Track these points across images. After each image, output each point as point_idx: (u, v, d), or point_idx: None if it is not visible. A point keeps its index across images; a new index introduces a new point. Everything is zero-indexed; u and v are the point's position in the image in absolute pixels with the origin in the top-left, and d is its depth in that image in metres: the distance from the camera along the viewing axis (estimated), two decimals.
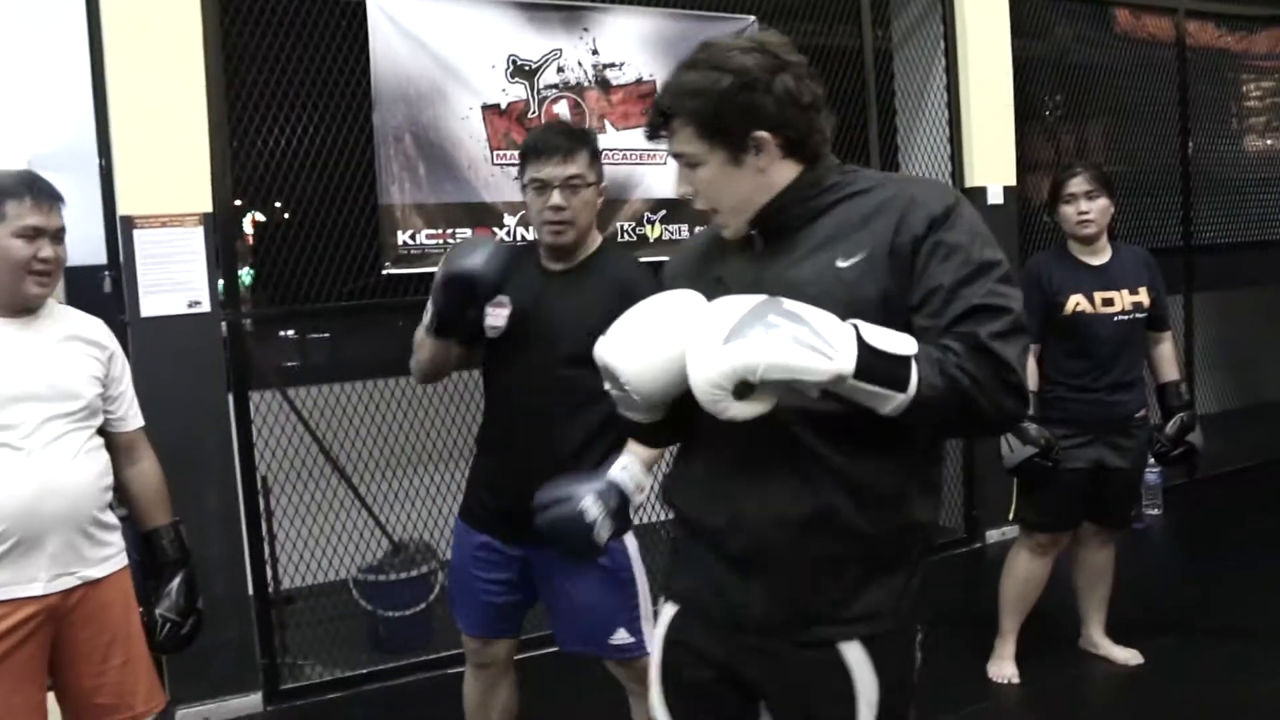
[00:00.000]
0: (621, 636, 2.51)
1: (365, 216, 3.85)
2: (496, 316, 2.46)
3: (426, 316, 2.45)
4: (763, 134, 1.56)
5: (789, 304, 1.42)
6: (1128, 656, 3.76)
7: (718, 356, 1.38)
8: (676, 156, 1.63)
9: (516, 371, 2.49)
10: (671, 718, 1.74)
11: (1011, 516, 3.67)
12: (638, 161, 4.27)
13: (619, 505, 2.07)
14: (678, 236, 4.40)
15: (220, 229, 3.54)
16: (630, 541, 2.53)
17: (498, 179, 4.00)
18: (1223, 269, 6.84)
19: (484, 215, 3.98)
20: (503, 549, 2.54)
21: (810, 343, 1.37)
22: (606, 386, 1.62)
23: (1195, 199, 6.16)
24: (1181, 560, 5.15)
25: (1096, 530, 3.69)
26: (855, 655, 1.57)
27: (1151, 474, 5.57)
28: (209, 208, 3.51)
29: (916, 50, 5.32)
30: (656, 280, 1.99)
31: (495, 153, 3.99)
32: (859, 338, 1.40)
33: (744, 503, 1.59)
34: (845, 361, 1.37)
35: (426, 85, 3.87)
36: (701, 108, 1.56)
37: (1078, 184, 3.51)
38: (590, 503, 2.01)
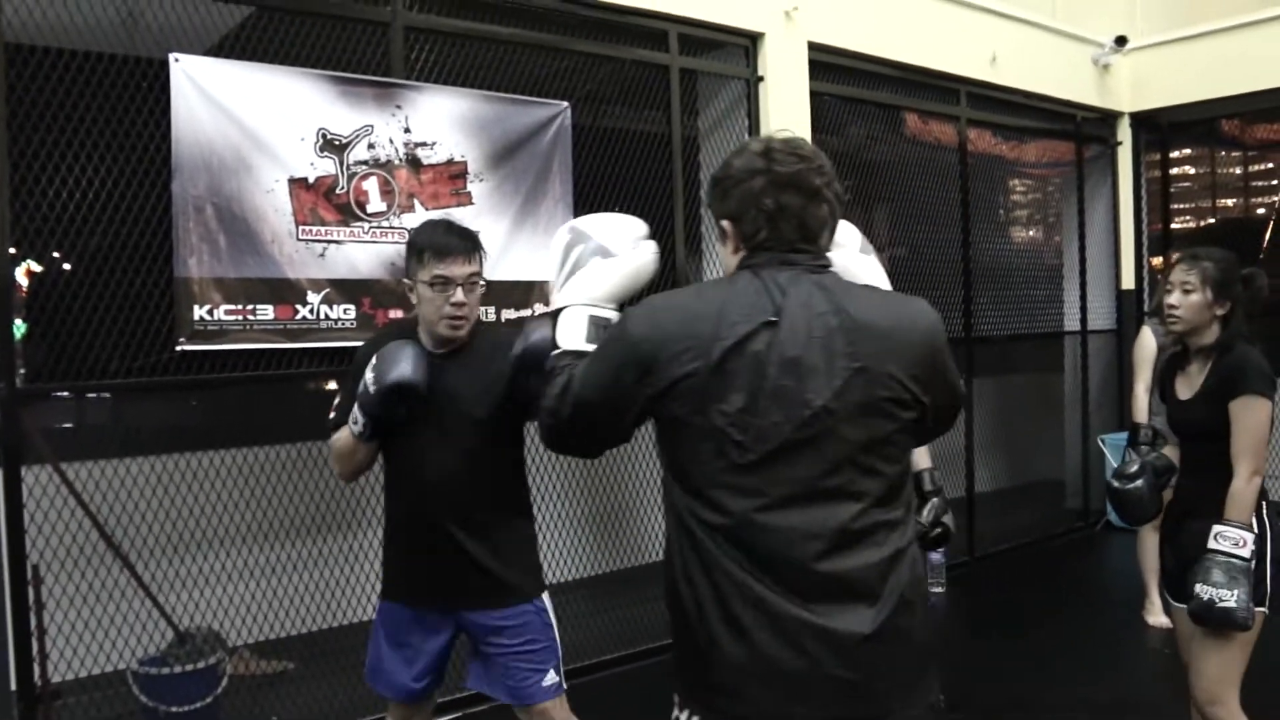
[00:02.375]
0: (551, 677, 2.77)
1: (161, 288, 3.66)
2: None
3: (356, 426, 2.61)
4: (725, 223, 1.81)
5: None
6: None
7: None
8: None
9: (429, 452, 2.66)
10: None
11: None
12: None
13: None
14: (484, 319, 4.36)
15: None
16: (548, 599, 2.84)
17: (302, 255, 3.89)
18: (998, 357, 7.32)
19: (287, 292, 3.85)
20: (430, 619, 2.74)
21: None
22: None
23: (974, 293, 6.59)
24: (965, 636, 5.40)
25: None
26: None
27: (935, 555, 5.84)
28: None
29: (723, 140, 5.52)
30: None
31: (301, 228, 3.89)
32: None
33: None
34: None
35: (231, 155, 3.74)
36: (709, 190, 1.88)
37: None
38: None
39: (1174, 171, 8.13)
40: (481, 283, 2.73)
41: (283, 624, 4.17)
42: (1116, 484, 3.24)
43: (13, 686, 3.37)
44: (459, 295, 2.63)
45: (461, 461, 2.66)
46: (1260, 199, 8.85)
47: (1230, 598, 2.74)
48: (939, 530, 3.88)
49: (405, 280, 2.76)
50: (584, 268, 1.92)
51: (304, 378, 4.25)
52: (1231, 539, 2.80)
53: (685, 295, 1.83)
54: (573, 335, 1.86)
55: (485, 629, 2.74)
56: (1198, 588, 2.79)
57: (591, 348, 1.82)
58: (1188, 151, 8.44)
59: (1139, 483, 3.18)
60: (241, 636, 4.13)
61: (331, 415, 2.78)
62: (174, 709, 3.76)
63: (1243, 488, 2.84)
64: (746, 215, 1.77)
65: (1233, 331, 3.00)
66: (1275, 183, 8.74)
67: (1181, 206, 8.38)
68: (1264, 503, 2.90)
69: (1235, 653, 2.86)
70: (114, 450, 4.04)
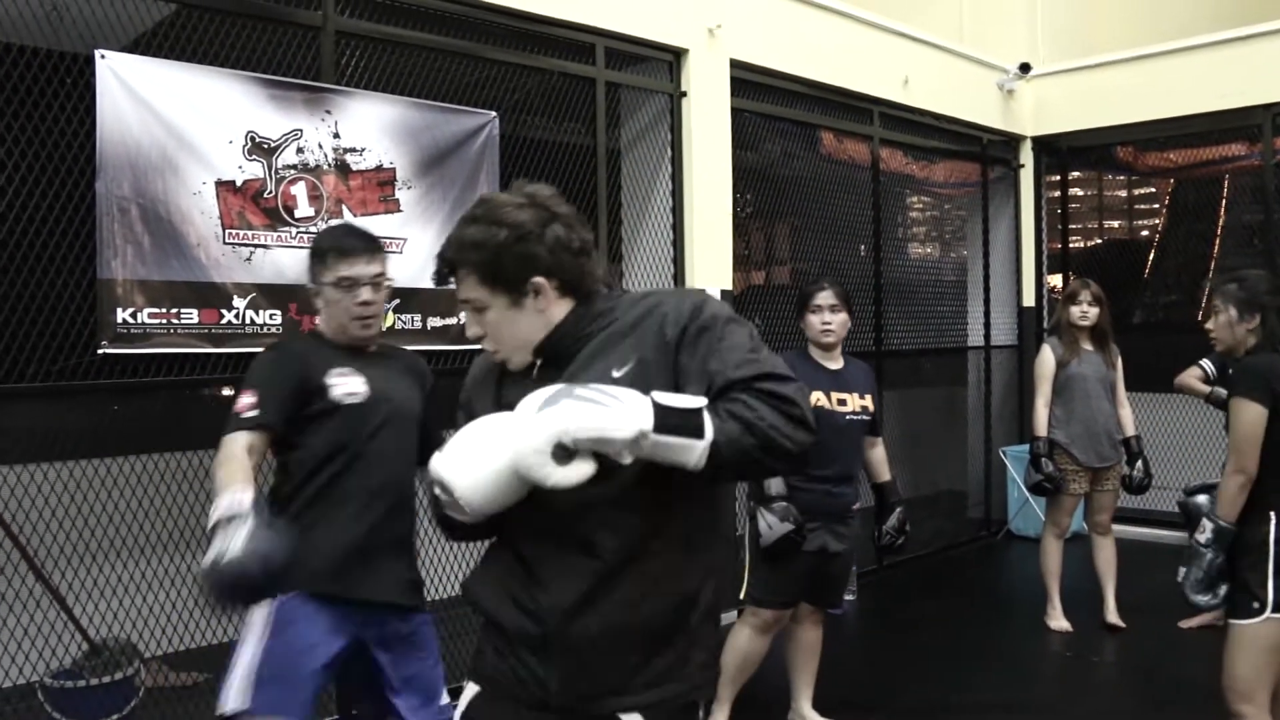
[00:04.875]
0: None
1: (82, 290, 3.57)
2: (351, 384, 2.68)
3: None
4: (539, 279, 1.75)
5: (590, 386, 1.61)
6: None
7: (535, 424, 1.56)
8: (463, 302, 1.81)
9: (380, 440, 2.69)
10: None
11: (743, 595, 3.88)
12: None
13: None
14: (410, 326, 4.35)
15: None
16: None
17: (228, 258, 3.83)
18: (906, 371, 7.53)
19: (212, 296, 3.78)
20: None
21: (612, 406, 1.55)
22: (437, 492, 1.71)
23: (884, 308, 6.77)
24: (878, 641, 5.55)
25: (811, 610, 3.99)
26: None
27: None
28: None
29: (645, 153, 5.59)
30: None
31: (228, 231, 3.83)
32: (653, 400, 1.58)
33: (532, 593, 1.76)
34: (644, 419, 1.56)
35: (157, 155, 3.67)
36: (482, 259, 1.74)
37: (824, 298, 3.87)
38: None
39: (1072, 193, 8.47)
40: (387, 283, 2.77)
41: (202, 634, 4.08)
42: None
43: None
44: (365, 294, 2.68)
45: (404, 456, 2.74)
46: (1146, 221, 9.27)
47: (1180, 574, 3.07)
48: (904, 536, 4.11)
49: (310, 286, 2.78)
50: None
51: (227, 383, 4.17)
52: (1201, 527, 3.08)
53: None
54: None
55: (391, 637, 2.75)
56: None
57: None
58: (1079, 174, 8.80)
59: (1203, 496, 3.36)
60: (160, 646, 4.03)
61: (254, 414, 2.58)
62: None
63: (1224, 483, 3.09)
64: (560, 261, 1.76)
65: (1260, 342, 3.26)
66: (1156, 206, 9.16)
67: (1078, 227, 8.75)
68: (1273, 511, 2.99)
69: (1265, 653, 2.96)
70: (29, 455, 3.92)
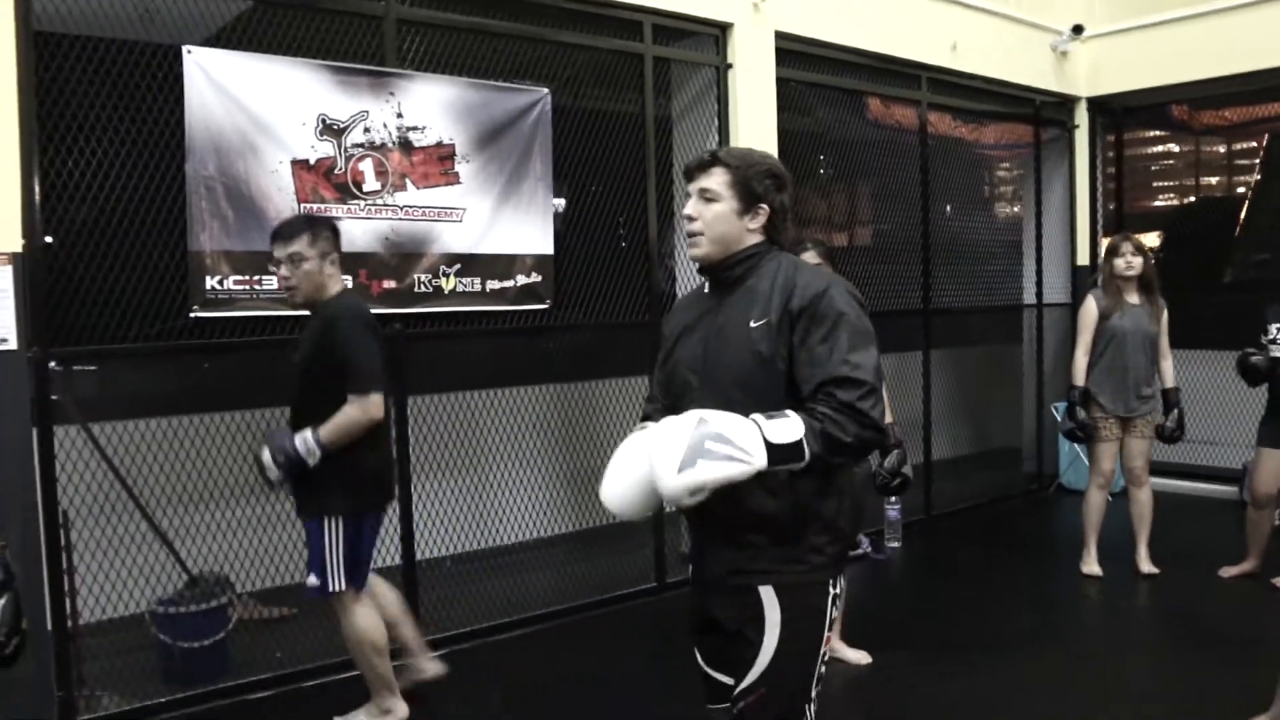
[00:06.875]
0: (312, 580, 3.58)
1: (176, 260, 4.00)
2: None
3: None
4: (765, 207, 2.32)
5: (714, 424, 2.00)
6: (858, 657, 4.37)
7: (678, 484, 1.98)
8: (701, 190, 2.33)
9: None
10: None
11: None
12: (435, 219, 4.58)
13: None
14: (470, 289, 4.73)
15: (29, 268, 3.65)
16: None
17: None
18: (955, 329, 7.69)
19: None
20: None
21: (736, 456, 1.97)
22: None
23: (933, 267, 6.96)
24: (915, 586, 5.82)
25: None
26: (767, 595, 2.22)
27: (892, 510, 6.25)
28: (18, 247, 3.61)
29: (694, 123, 5.86)
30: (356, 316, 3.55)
31: (302, 205, 4.22)
32: (764, 439, 2.00)
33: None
34: (760, 461, 1.99)
35: (238, 139, 4.07)
36: (742, 166, 2.31)
37: (808, 259, 4.08)
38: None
39: (1128, 154, 8.50)
40: (304, 262, 3.56)
41: (288, 572, 4.52)
42: None
43: (49, 625, 3.72)
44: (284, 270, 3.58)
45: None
46: (1209, 179, 9.20)
47: None
48: (899, 479, 4.28)
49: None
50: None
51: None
52: None
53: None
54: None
55: None
56: None
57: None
58: (1148, 134, 8.79)
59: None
60: (253, 582, 4.49)
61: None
62: (187, 644, 4.11)
63: None
64: (780, 212, 2.32)
65: None
66: (1219, 164, 9.07)
67: (1150, 186, 8.78)
68: None
69: None
70: (135, 411, 4.40)
